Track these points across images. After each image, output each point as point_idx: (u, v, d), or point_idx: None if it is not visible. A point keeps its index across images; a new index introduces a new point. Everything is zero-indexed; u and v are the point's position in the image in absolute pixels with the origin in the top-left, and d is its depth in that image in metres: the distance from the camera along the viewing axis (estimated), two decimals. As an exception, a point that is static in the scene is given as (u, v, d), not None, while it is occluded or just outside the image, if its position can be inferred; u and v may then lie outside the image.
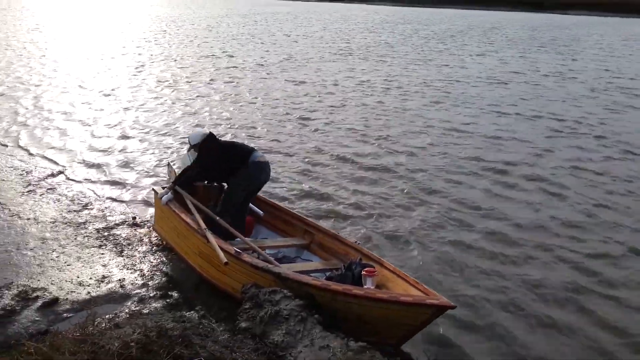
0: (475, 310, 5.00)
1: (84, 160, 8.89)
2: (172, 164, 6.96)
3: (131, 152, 9.41)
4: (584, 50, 28.12)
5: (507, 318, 4.91)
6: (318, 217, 6.68)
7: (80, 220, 6.54)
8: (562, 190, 8.01)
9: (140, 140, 10.07)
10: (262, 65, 19.72)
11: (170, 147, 9.63)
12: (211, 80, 16.51)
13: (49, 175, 8.12)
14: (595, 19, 59.20)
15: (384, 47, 26.98)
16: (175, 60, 20.30)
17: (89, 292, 4.98)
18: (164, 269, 5.49)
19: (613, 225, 6.89)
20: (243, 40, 27.78)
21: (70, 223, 6.45)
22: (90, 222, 6.51)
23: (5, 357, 3.83)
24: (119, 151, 9.44)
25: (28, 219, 6.51)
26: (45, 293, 4.90)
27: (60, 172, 8.30)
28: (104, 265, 5.47)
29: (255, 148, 6.10)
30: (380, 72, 18.95)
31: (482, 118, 12.50)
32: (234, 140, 6.55)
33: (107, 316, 4.23)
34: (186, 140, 6.43)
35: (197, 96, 14.10)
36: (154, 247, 5.92)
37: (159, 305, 4.80)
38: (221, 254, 4.72)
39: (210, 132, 6.13)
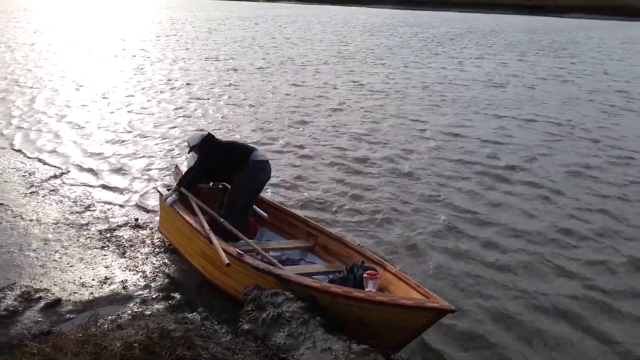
0: (476, 315, 5.01)
1: (86, 162, 8.91)
2: (179, 165, 6.99)
3: (134, 154, 9.43)
4: (582, 53, 28.16)
5: (506, 324, 4.91)
6: (317, 220, 6.69)
7: (82, 222, 6.56)
8: (558, 196, 7.98)
9: (143, 142, 10.09)
10: (261, 68, 19.76)
11: (173, 149, 9.66)
12: (211, 82, 16.53)
13: (51, 177, 8.14)
14: (594, 22, 59.27)
15: (383, 50, 27.03)
16: (176, 63, 20.34)
17: (91, 293, 5.00)
18: (167, 270, 5.51)
19: (609, 232, 6.83)
20: (243, 43, 27.83)
21: (72, 224, 6.47)
22: (92, 223, 6.54)
23: (8, 358, 3.84)
24: (122, 153, 9.46)
25: (31, 220, 6.54)
26: (48, 294, 4.92)
27: (63, 174, 8.32)
28: (107, 267, 5.50)
29: (255, 147, 6.11)
30: (379, 75, 18.98)
31: (479, 121, 12.51)
32: (234, 140, 6.53)
33: (109, 317, 4.24)
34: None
35: (198, 98, 14.12)
36: (157, 249, 5.95)
37: (161, 306, 4.82)
38: (223, 256, 4.73)
39: (209, 132, 6.17)
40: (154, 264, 5.63)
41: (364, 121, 12.19)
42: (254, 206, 6.18)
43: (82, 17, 44.23)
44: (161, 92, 14.92)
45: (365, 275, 4.44)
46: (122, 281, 5.23)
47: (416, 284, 4.36)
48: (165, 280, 5.31)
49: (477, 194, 7.96)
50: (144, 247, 5.99)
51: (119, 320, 4.15)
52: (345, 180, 8.38)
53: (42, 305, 4.76)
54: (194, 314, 4.60)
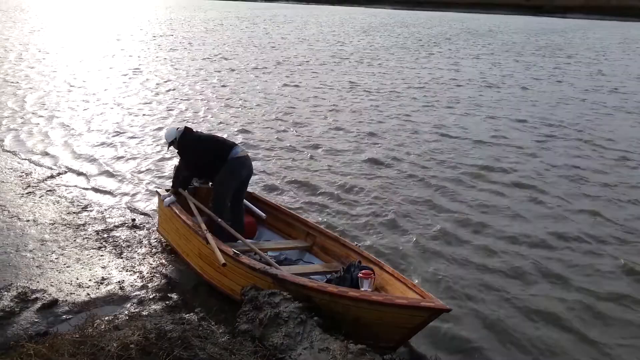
0: (472, 313, 5.02)
1: (83, 162, 8.90)
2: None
3: (132, 154, 9.42)
4: (578, 53, 28.20)
5: (504, 320, 4.93)
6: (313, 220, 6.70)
7: (79, 222, 6.55)
8: (550, 197, 7.96)
9: (140, 143, 10.08)
10: (258, 68, 19.75)
11: (171, 150, 9.64)
12: (208, 83, 16.53)
13: (48, 177, 8.13)
14: (593, 22, 59.35)
15: (380, 50, 27.04)
16: (173, 63, 20.33)
17: (88, 294, 4.99)
18: (164, 270, 5.51)
19: (601, 235, 6.80)
20: (240, 43, 27.84)
21: (69, 225, 6.47)
22: (89, 224, 6.53)
23: (5, 359, 3.84)
24: (119, 153, 9.45)
25: (27, 220, 6.52)
26: (45, 295, 4.92)
27: (60, 174, 8.31)
28: (104, 267, 5.49)
29: (236, 143, 5.98)
30: (374, 75, 18.98)
31: (473, 122, 12.52)
32: (213, 134, 6.40)
33: (106, 318, 4.23)
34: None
35: (195, 99, 14.12)
36: (154, 249, 5.94)
37: (158, 307, 4.82)
38: (219, 255, 4.74)
39: (185, 126, 6.01)
40: (151, 264, 5.62)
41: (359, 122, 12.19)
42: (253, 206, 6.19)
43: (79, 17, 44.17)
44: (157, 92, 14.90)
45: (360, 274, 4.45)
46: (119, 282, 5.22)
47: (412, 284, 4.38)
48: (163, 281, 5.30)
49: (470, 195, 7.95)
50: (141, 247, 5.99)
51: (116, 320, 4.15)
52: (340, 181, 8.37)
53: (39, 305, 4.75)
54: (191, 314, 4.59)
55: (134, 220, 6.68)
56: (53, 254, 5.70)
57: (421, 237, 6.54)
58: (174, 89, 15.33)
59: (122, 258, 5.70)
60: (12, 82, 15.69)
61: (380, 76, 18.77)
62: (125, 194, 7.63)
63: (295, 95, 15.08)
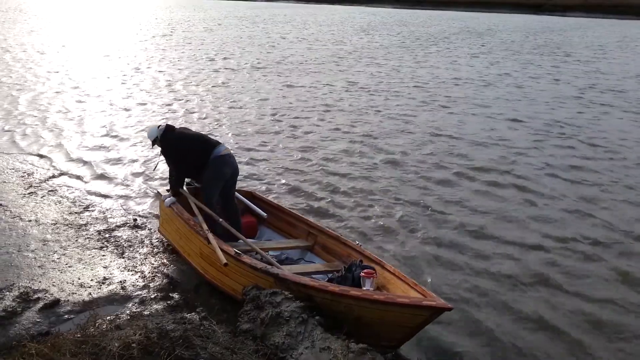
0: (474, 312, 5.03)
1: (85, 162, 8.91)
2: None
3: (132, 154, 9.43)
4: (576, 52, 28.12)
5: (504, 320, 4.94)
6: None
7: (81, 222, 6.56)
8: (545, 197, 7.92)
9: (141, 143, 10.07)
10: (257, 67, 19.73)
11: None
12: (207, 83, 16.53)
13: (50, 177, 8.14)
14: (593, 21, 59.23)
15: (378, 49, 26.99)
16: (173, 63, 20.32)
17: (90, 294, 5.00)
18: (165, 270, 5.52)
19: (598, 237, 6.78)
20: (239, 43, 27.81)
21: (71, 225, 6.48)
22: (91, 223, 6.54)
23: (7, 359, 3.85)
24: (121, 154, 9.45)
25: (29, 220, 6.54)
26: (47, 294, 4.93)
27: (62, 174, 8.32)
28: (105, 267, 5.50)
29: (219, 142, 5.91)
30: (373, 74, 18.92)
31: (469, 120, 12.48)
32: (198, 132, 6.27)
33: (108, 317, 4.24)
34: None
35: (194, 99, 14.12)
36: (155, 249, 5.95)
37: (159, 306, 4.83)
38: (221, 255, 4.75)
39: (167, 124, 5.96)
40: (153, 264, 5.63)
41: (356, 121, 12.15)
42: (254, 205, 6.19)
43: (78, 17, 44.18)
44: (158, 93, 14.90)
45: (362, 274, 4.45)
46: (120, 281, 5.23)
47: (414, 282, 4.38)
48: (164, 281, 5.31)
49: (468, 196, 7.91)
50: (142, 247, 6.00)
51: (118, 320, 4.16)
52: (338, 181, 8.37)
53: (41, 305, 4.76)
54: (193, 313, 4.59)
55: (135, 220, 6.69)
56: (55, 254, 5.71)
57: (420, 237, 6.55)
58: (174, 89, 15.33)
59: (123, 258, 5.71)
60: (12, 83, 15.70)
61: (379, 75, 18.74)
62: (127, 194, 7.64)
63: (294, 94, 15.07)
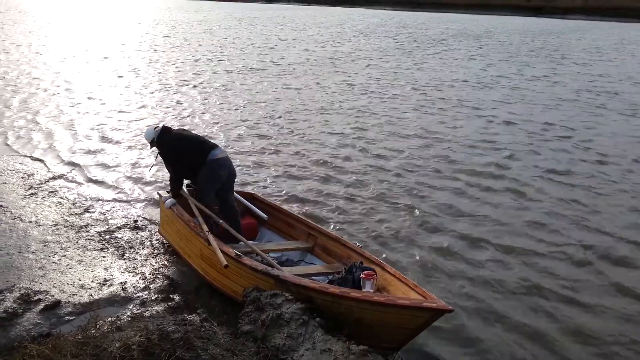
0: (474, 314, 5.04)
1: (85, 164, 8.92)
2: None
3: (133, 155, 9.44)
4: (573, 54, 28.11)
5: (503, 324, 4.94)
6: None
7: (81, 224, 6.57)
8: (541, 196, 7.94)
9: (142, 144, 10.08)
10: (254, 69, 19.74)
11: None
12: (208, 83, 16.55)
13: (50, 179, 8.15)
14: (592, 23, 59.27)
15: (376, 51, 26.98)
16: (172, 64, 20.34)
17: (90, 295, 5.01)
18: (166, 272, 5.52)
19: (590, 231, 6.84)
20: (238, 44, 27.83)
21: (71, 226, 6.48)
22: (91, 225, 6.55)
23: (8, 360, 3.86)
24: (121, 155, 9.47)
25: (30, 222, 6.54)
26: (47, 296, 4.93)
27: (62, 176, 8.33)
28: (106, 268, 5.51)
29: (217, 144, 5.90)
30: (370, 76, 18.89)
31: (465, 122, 12.48)
32: (195, 134, 6.25)
33: (108, 319, 4.25)
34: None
35: (193, 100, 14.14)
36: (156, 250, 5.96)
37: (160, 308, 4.84)
38: (221, 257, 4.75)
39: (163, 125, 5.98)
40: (153, 265, 5.64)
41: (353, 122, 12.17)
42: (254, 207, 6.20)
43: (79, 18, 44.20)
44: (158, 93, 14.92)
45: (362, 275, 4.46)
46: (121, 283, 5.24)
47: (414, 284, 4.39)
48: (165, 282, 5.32)
49: (464, 195, 7.94)
50: (143, 248, 6.00)
51: (119, 321, 4.17)
52: (333, 181, 8.39)
53: (42, 307, 4.76)
54: (194, 315, 4.61)
55: (135, 221, 6.70)
56: (55, 256, 5.72)
57: (412, 235, 6.57)
58: (174, 91, 15.33)
59: (124, 259, 5.72)
60: (12, 83, 15.72)
61: (375, 77, 18.72)
62: (127, 196, 7.65)
63: (291, 95, 15.08)
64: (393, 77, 18.82)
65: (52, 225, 6.48)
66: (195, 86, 16.07)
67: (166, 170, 6.21)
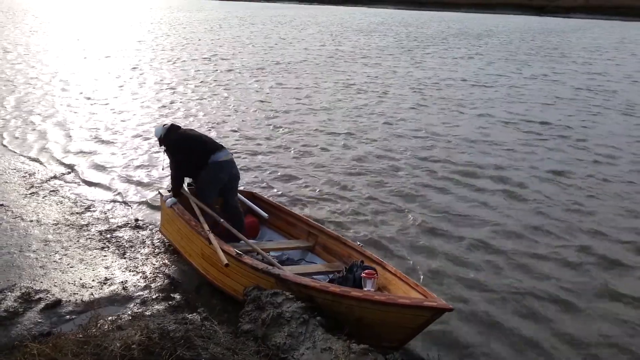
0: (474, 313, 5.04)
1: (86, 163, 8.93)
2: None
3: (134, 155, 9.44)
4: (572, 53, 28.01)
5: (506, 321, 4.94)
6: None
7: (82, 223, 6.57)
8: (537, 196, 7.91)
9: (142, 144, 10.09)
10: (254, 68, 19.73)
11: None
12: (207, 83, 16.55)
13: (51, 178, 8.16)
14: (591, 22, 59.12)
15: (376, 50, 26.92)
16: (172, 63, 20.36)
17: (91, 294, 5.01)
18: (167, 271, 5.52)
19: (586, 231, 6.81)
20: (238, 43, 27.83)
21: (72, 225, 6.49)
22: (92, 224, 6.55)
23: (9, 359, 3.86)
24: (122, 154, 9.48)
25: (31, 221, 6.55)
26: (48, 295, 4.94)
27: (63, 175, 8.34)
28: (107, 267, 5.51)
29: (222, 146, 5.89)
30: (369, 75, 18.85)
31: (463, 121, 12.46)
32: (201, 134, 6.21)
33: (109, 318, 4.25)
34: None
35: (193, 99, 14.14)
36: (156, 250, 5.96)
37: (161, 307, 4.84)
38: (222, 256, 4.75)
39: (172, 124, 6.01)
40: (154, 264, 5.64)
41: (351, 121, 12.15)
42: (255, 206, 6.20)
43: (80, 17, 44.24)
44: (158, 93, 14.93)
45: (363, 274, 4.46)
46: (122, 282, 5.24)
47: (415, 283, 4.38)
48: (165, 281, 5.32)
49: (463, 196, 7.90)
50: (143, 247, 6.00)
51: (119, 320, 4.16)
52: (334, 181, 8.38)
53: (42, 306, 4.77)
54: (194, 314, 4.61)
55: (136, 220, 6.70)
56: (56, 254, 5.72)
57: (409, 235, 6.56)
58: (173, 90, 15.34)
59: (125, 258, 5.72)
60: (12, 83, 15.74)
61: (375, 76, 18.68)
62: (128, 195, 7.64)
63: (291, 94, 15.07)
64: (392, 77, 18.78)
65: (53, 224, 6.48)
66: (194, 85, 16.07)
67: (168, 170, 6.21)
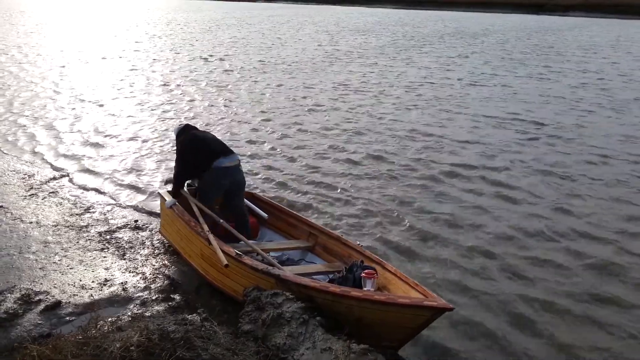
0: (474, 313, 5.03)
1: (86, 164, 8.92)
2: None
3: (133, 155, 9.44)
4: (568, 51, 27.98)
5: (503, 322, 4.92)
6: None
7: (82, 224, 6.57)
8: (532, 196, 7.88)
9: (142, 144, 10.10)
10: (250, 69, 19.72)
11: (172, 151, 9.65)
12: (207, 83, 16.56)
13: (51, 179, 8.15)
14: (589, 20, 59.10)
15: (372, 49, 26.89)
16: (170, 63, 20.35)
17: (91, 295, 5.01)
18: (166, 271, 5.52)
19: (578, 233, 6.77)
20: (235, 44, 27.83)
21: (72, 226, 6.48)
22: (92, 225, 6.55)
23: (9, 360, 3.86)
24: (122, 155, 9.47)
25: (30, 222, 6.54)
26: (48, 296, 4.93)
27: (63, 176, 8.33)
28: (106, 269, 5.50)
29: (232, 151, 5.85)
30: (364, 75, 18.82)
31: (457, 121, 12.41)
32: (213, 136, 6.15)
33: (109, 319, 4.24)
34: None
35: (195, 100, 14.16)
36: (156, 250, 5.96)
37: (161, 308, 4.83)
38: (222, 256, 4.75)
39: (186, 124, 6.11)
40: (154, 265, 5.64)
41: (347, 121, 12.12)
42: (254, 206, 6.20)
43: (77, 18, 44.20)
44: (157, 93, 14.93)
45: (363, 274, 4.45)
46: (121, 283, 5.24)
47: (415, 283, 4.37)
48: (165, 282, 5.31)
49: (453, 196, 7.87)
50: (143, 248, 6.00)
51: (119, 321, 4.16)
52: (333, 181, 8.36)
53: (42, 307, 4.76)
54: (194, 315, 4.61)
55: (136, 221, 6.70)
56: (56, 256, 5.72)
57: (405, 236, 6.55)
58: (173, 91, 15.36)
59: (124, 259, 5.72)
60: (11, 84, 15.72)
61: (370, 76, 18.63)
62: (128, 196, 7.65)
63: (287, 94, 15.06)
64: (388, 76, 18.75)
65: (52, 225, 6.48)
66: (193, 86, 16.06)
67: (168, 170, 6.22)
